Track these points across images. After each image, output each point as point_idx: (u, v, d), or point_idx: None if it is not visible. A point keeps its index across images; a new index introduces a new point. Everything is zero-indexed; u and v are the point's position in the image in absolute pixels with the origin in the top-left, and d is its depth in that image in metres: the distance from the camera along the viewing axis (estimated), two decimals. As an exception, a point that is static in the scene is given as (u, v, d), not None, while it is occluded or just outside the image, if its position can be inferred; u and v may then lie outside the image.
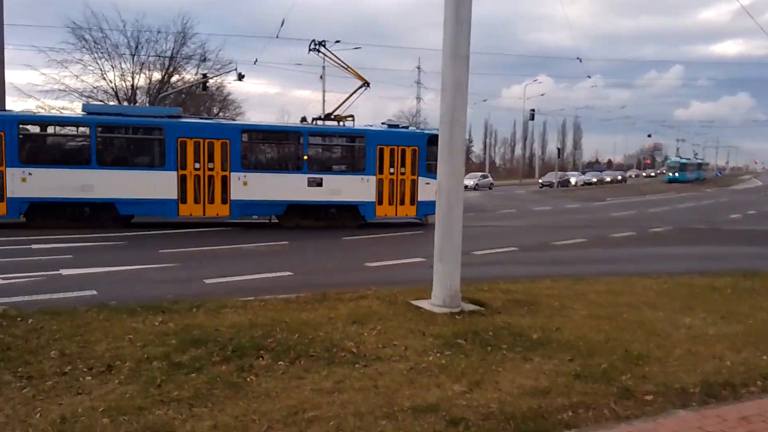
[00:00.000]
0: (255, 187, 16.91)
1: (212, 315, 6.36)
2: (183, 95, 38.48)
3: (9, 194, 15.43)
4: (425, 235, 14.14)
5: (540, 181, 58.76)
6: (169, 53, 36.94)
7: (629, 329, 6.25)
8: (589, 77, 65.51)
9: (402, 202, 18.40)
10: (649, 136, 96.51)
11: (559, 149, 76.37)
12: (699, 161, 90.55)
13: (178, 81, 38.34)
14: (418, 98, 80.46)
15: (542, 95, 69.25)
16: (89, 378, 4.56)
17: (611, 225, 19.86)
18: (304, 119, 19.31)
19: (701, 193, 48.45)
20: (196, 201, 16.60)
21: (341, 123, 18.71)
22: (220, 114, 39.78)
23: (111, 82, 35.45)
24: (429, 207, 17.64)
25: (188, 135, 16.55)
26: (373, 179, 17.99)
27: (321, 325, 6.06)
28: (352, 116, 18.93)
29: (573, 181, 62.40)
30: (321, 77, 42.81)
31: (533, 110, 56.63)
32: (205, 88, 33.48)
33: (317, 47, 18.50)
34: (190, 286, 8.82)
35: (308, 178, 17.29)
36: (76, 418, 3.83)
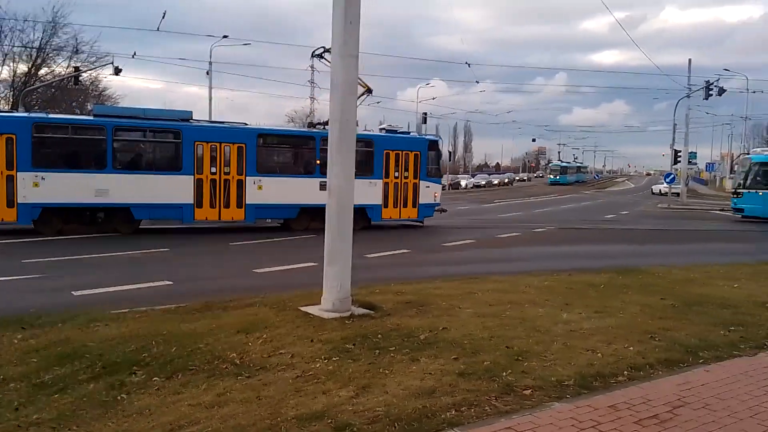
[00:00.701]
0: (269, 190, 17.04)
1: (80, 329, 5.88)
2: (53, 89, 35.76)
3: (20, 200, 14.66)
4: (316, 239, 14.05)
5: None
6: (37, 43, 34.18)
7: (512, 326, 6.46)
8: (478, 82, 67.71)
9: (405, 205, 19.27)
10: (534, 140, 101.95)
11: (450, 152, 78.81)
12: (579, 165, 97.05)
13: (47, 74, 35.57)
14: (312, 98, 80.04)
15: (434, 99, 71.46)
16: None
17: (499, 225, 20.71)
18: (311, 124, 20.00)
19: (581, 195, 51.94)
20: (212, 205, 16.54)
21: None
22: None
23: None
24: (429, 209, 19.56)
25: (205, 139, 16.58)
26: (380, 183, 18.68)
27: (202, 336, 5.77)
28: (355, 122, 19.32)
29: (463, 183, 64.73)
30: (207, 73, 41.31)
31: (425, 114, 58.11)
32: (77, 82, 31.30)
33: (322, 54, 17.90)
34: (55, 298, 8.12)
35: (320, 182, 16.38)
36: None
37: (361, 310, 6.95)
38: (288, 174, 17.97)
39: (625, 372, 5.10)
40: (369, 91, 20.59)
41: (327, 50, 18.01)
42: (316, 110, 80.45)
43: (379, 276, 9.90)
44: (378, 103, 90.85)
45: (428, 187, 19.42)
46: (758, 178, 26.08)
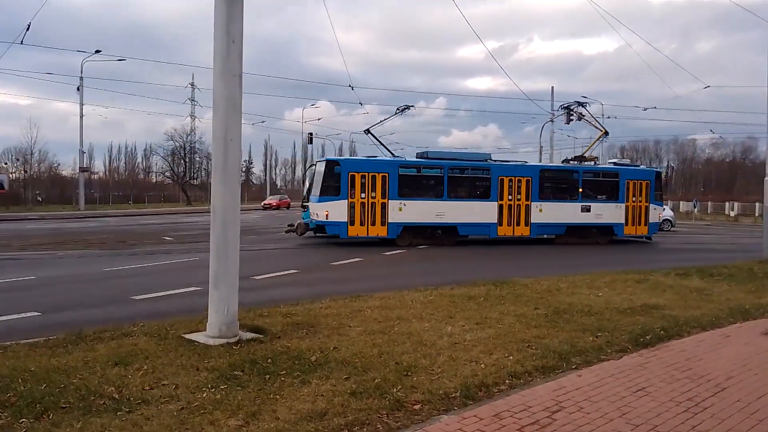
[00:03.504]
0: (546, 213, 22.31)
1: (-71, 372, 5.24)
2: None
3: (390, 220, 20.42)
4: (200, 262, 13.47)
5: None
6: None
7: (400, 341, 6.62)
8: (361, 104, 69.12)
9: (639, 223, 23.76)
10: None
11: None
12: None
13: None
14: (193, 116, 77.52)
15: (319, 119, 72.01)
16: None
17: (384, 244, 21.07)
18: (570, 159, 25.45)
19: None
20: (509, 224, 21.99)
21: (593, 162, 25.14)
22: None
23: None
24: (654, 227, 24.52)
25: (506, 174, 22.04)
26: (623, 206, 23.47)
27: (75, 370, 5.35)
28: (596, 158, 26.34)
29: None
30: (78, 89, 38.75)
31: (311, 134, 58.33)
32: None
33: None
34: None
35: (581, 205, 22.87)
36: None
37: (250, 335, 6.79)
38: (557, 200, 22.82)
39: (506, 380, 5.40)
40: (606, 134, 26.84)
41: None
42: (197, 128, 78.11)
43: (267, 298, 9.72)
44: (263, 122, 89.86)
45: (655, 209, 24.19)
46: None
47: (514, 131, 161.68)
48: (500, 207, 21.82)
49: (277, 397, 4.86)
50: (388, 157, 22.09)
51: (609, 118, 58.60)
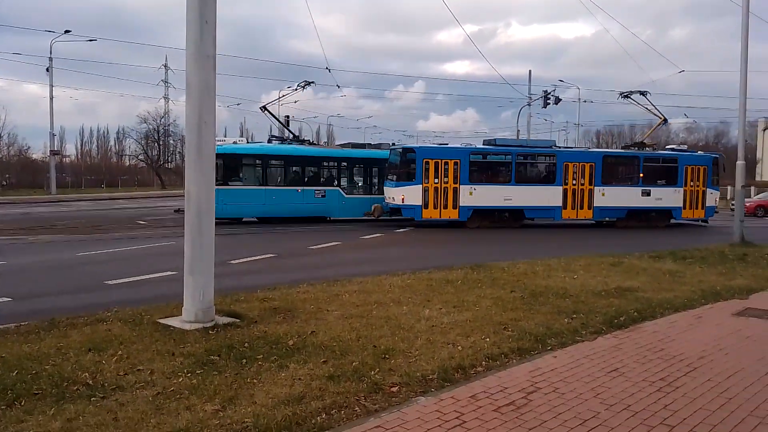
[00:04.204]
0: (609, 197, 23.19)
1: None
2: None
3: (461, 203, 21.87)
4: (175, 247, 13.33)
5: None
6: None
7: (378, 325, 6.63)
8: (339, 87, 68.52)
9: (696, 207, 24.49)
10: (393, 144, 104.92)
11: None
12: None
13: None
14: (167, 98, 76.15)
15: (296, 102, 71.29)
16: None
17: (364, 228, 21.06)
18: (631, 145, 27.15)
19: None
20: (573, 207, 23.08)
21: (652, 148, 25.93)
22: None
23: None
24: (711, 210, 24.90)
25: (570, 160, 23.22)
26: (681, 190, 24.20)
27: (48, 357, 5.27)
28: (655, 144, 27.55)
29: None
30: (47, 70, 37.84)
31: (288, 116, 57.67)
32: None
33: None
34: None
35: (642, 190, 23.67)
36: None
37: (226, 319, 6.74)
38: (620, 184, 23.80)
39: (483, 362, 5.45)
40: (665, 121, 26.88)
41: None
42: (171, 111, 76.79)
43: (244, 283, 9.64)
44: (238, 104, 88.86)
45: (711, 193, 24.78)
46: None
47: (492, 115, 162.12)
48: (564, 191, 22.95)
49: (255, 381, 4.84)
50: (458, 145, 23.69)
51: (585, 102, 59.45)
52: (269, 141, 25.43)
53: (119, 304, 7.57)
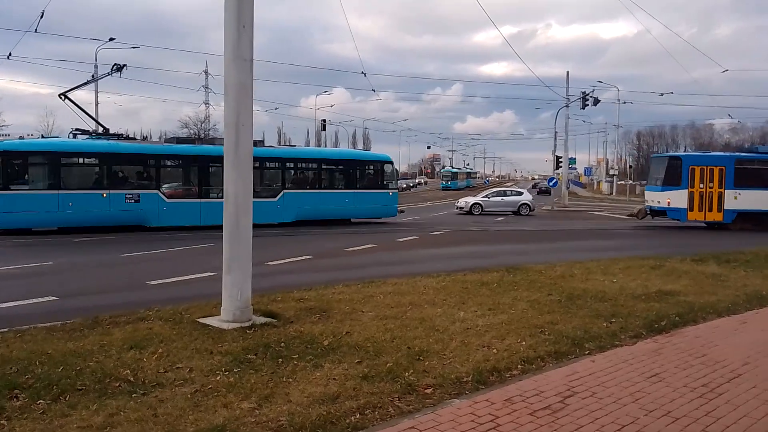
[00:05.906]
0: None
1: (-51, 354, 5.34)
2: None
3: (726, 207, 23.43)
4: (215, 248, 13.59)
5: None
6: None
7: (412, 327, 6.62)
8: (374, 91, 68.33)
9: None
10: (429, 147, 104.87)
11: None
12: (468, 170, 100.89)
13: None
14: (207, 103, 77.53)
15: (332, 106, 72.08)
16: None
17: (397, 230, 21.08)
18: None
19: (473, 198, 53.76)
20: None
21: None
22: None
23: None
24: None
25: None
26: None
27: (91, 353, 5.42)
28: None
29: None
30: (93, 77, 38.95)
31: (324, 120, 58.26)
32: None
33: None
34: None
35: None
36: None
37: (263, 319, 6.83)
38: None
39: (519, 366, 5.39)
40: None
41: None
42: (212, 115, 78.23)
43: (280, 283, 9.76)
44: (276, 109, 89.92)
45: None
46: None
47: (529, 117, 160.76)
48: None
49: (290, 380, 4.89)
50: (720, 153, 26.37)
51: (625, 103, 58.27)
52: (73, 136, 20.59)
53: (160, 303, 7.75)
